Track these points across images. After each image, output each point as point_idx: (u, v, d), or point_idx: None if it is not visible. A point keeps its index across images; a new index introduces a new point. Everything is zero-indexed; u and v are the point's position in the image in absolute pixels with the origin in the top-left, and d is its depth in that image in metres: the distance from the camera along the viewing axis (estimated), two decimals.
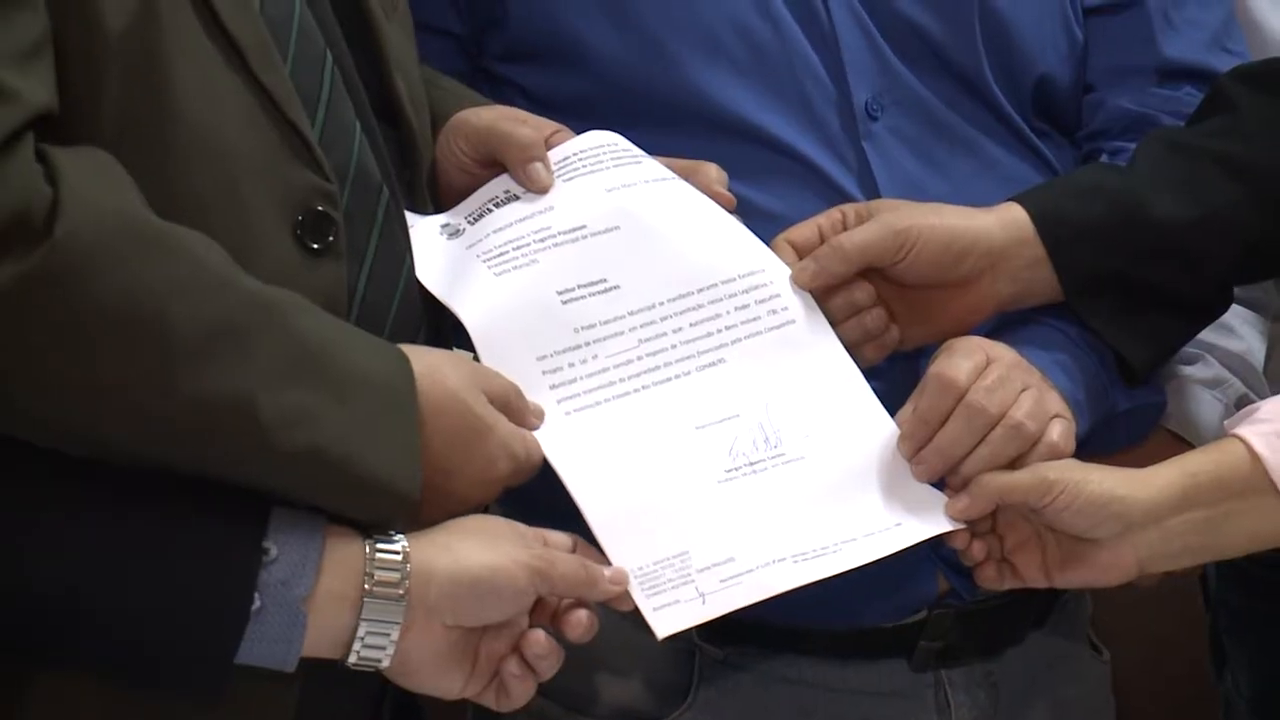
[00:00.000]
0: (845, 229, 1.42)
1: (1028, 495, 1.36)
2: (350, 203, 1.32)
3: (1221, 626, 1.97)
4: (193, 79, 1.25)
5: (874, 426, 1.43)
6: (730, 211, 1.46)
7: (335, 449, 1.19)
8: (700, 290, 1.43)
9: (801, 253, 1.42)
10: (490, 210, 1.45)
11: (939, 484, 1.39)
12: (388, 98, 1.42)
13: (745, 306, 1.43)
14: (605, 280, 1.43)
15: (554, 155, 1.44)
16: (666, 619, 1.31)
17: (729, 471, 1.39)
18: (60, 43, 1.18)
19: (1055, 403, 1.42)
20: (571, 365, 1.40)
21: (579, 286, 1.42)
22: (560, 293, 1.41)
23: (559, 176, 1.45)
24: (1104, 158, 1.60)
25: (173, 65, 1.24)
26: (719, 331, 1.42)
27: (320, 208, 1.29)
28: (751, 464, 1.39)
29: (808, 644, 1.54)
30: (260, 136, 1.29)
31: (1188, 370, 1.68)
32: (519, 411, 1.33)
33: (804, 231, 1.43)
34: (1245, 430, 1.39)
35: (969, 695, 1.57)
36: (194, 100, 1.25)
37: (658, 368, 1.41)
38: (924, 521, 1.38)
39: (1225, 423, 1.49)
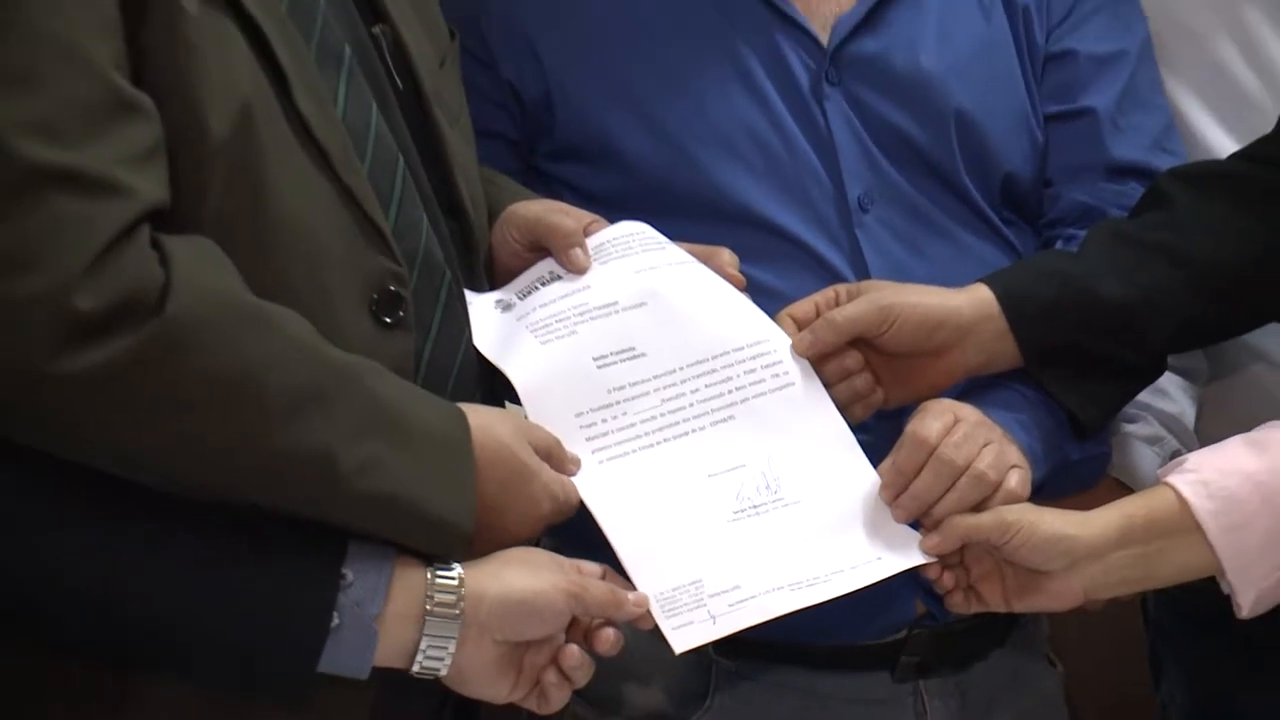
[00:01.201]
0: (838, 305, 1.50)
1: (989, 534, 1.43)
2: (418, 284, 1.39)
3: (1159, 643, 1.98)
4: (284, 179, 1.32)
5: (859, 476, 1.49)
6: (741, 290, 1.54)
7: (403, 493, 1.26)
8: (714, 357, 1.50)
9: (801, 325, 1.49)
10: (537, 288, 1.52)
11: (915, 524, 1.46)
12: (451, 195, 1.49)
13: (752, 371, 1.50)
14: (634, 349, 1.50)
15: (591, 242, 1.52)
16: (683, 637, 1.38)
17: (736, 513, 1.46)
18: (171, 147, 1.24)
19: (1014, 455, 1.49)
20: (604, 421, 1.47)
21: (611, 354, 1.49)
22: (596, 359, 1.48)
23: (595, 260, 1.52)
24: (1060, 243, 1.67)
25: (267, 166, 1.31)
26: (729, 393, 1.49)
27: (392, 288, 1.36)
28: (755, 507, 1.46)
29: (808, 658, 1.61)
30: (342, 228, 1.35)
31: (1130, 428, 1.75)
32: (559, 460, 1.40)
33: (803, 307, 1.51)
34: (1174, 479, 1.45)
35: (942, 702, 1.65)
36: (285, 197, 1.32)
37: (677, 423, 1.48)
38: (902, 556, 1.45)
39: (1157, 472, 1.55)
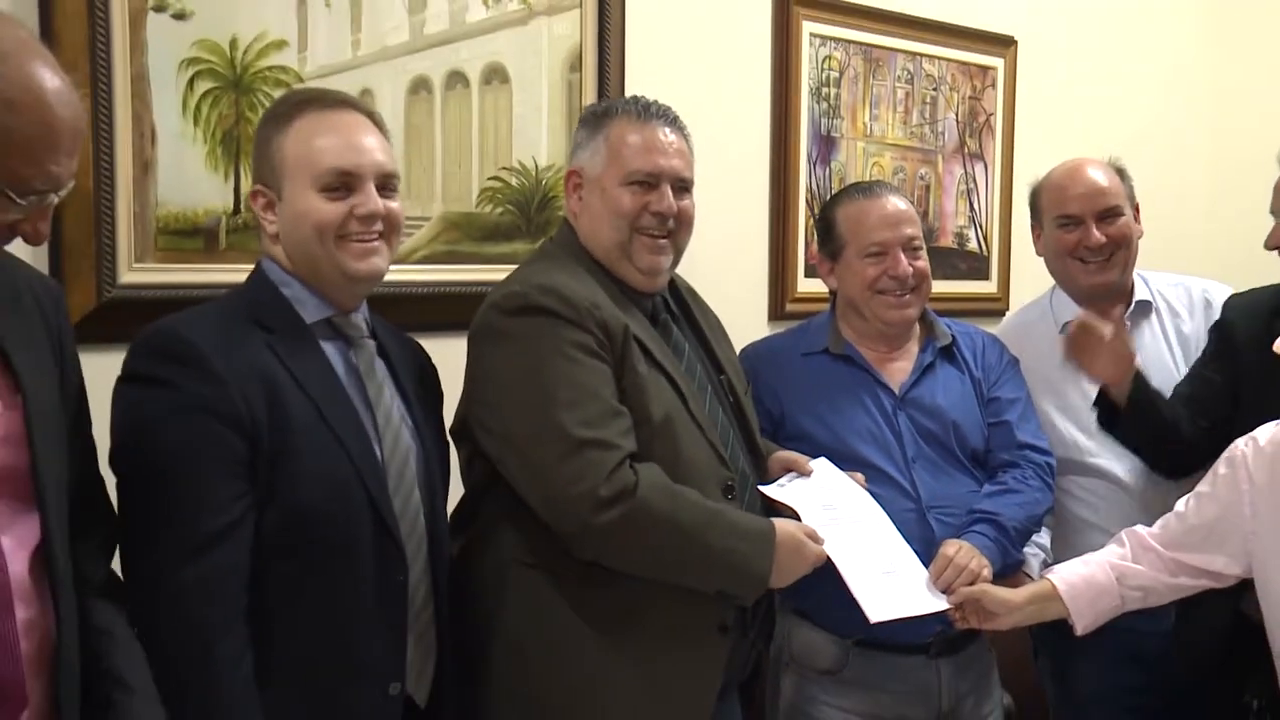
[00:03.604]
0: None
1: (977, 597, 2.03)
2: (738, 481, 1.94)
3: (1037, 639, 2.65)
4: (685, 440, 1.86)
5: (917, 568, 2.04)
6: (864, 488, 2.11)
7: (741, 563, 1.81)
8: (858, 514, 2.07)
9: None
10: (791, 480, 2.08)
11: (946, 591, 2.03)
12: (751, 444, 2.03)
13: (871, 518, 2.07)
14: (833, 505, 2.05)
15: (810, 465, 2.10)
16: (873, 615, 1.95)
17: (882, 573, 2.02)
18: (636, 429, 1.80)
19: (985, 562, 2.08)
20: (827, 528, 1.97)
21: (823, 506, 2.03)
22: (823, 506, 2.03)
23: (814, 472, 2.09)
24: (998, 476, 2.26)
25: (677, 435, 1.85)
26: (866, 527, 2.06)
27: (730, 483, 1.91)
28: (886, 573, 2.03)
29: (889, 647, 2.18)
30: (709, 460, 1.89)
31: (1027, 550, 2.35)
32: (815, 539, 1.91)
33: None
34: (1050, 575, 2.07)
35: (947, 668, 2.25)
36: (686, 448, 1.86)
37: (851, 535, 2.02)
38: (939, 602, 2.02)
39: (1041, 571, 2.17)
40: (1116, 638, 2.36)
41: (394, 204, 1.72)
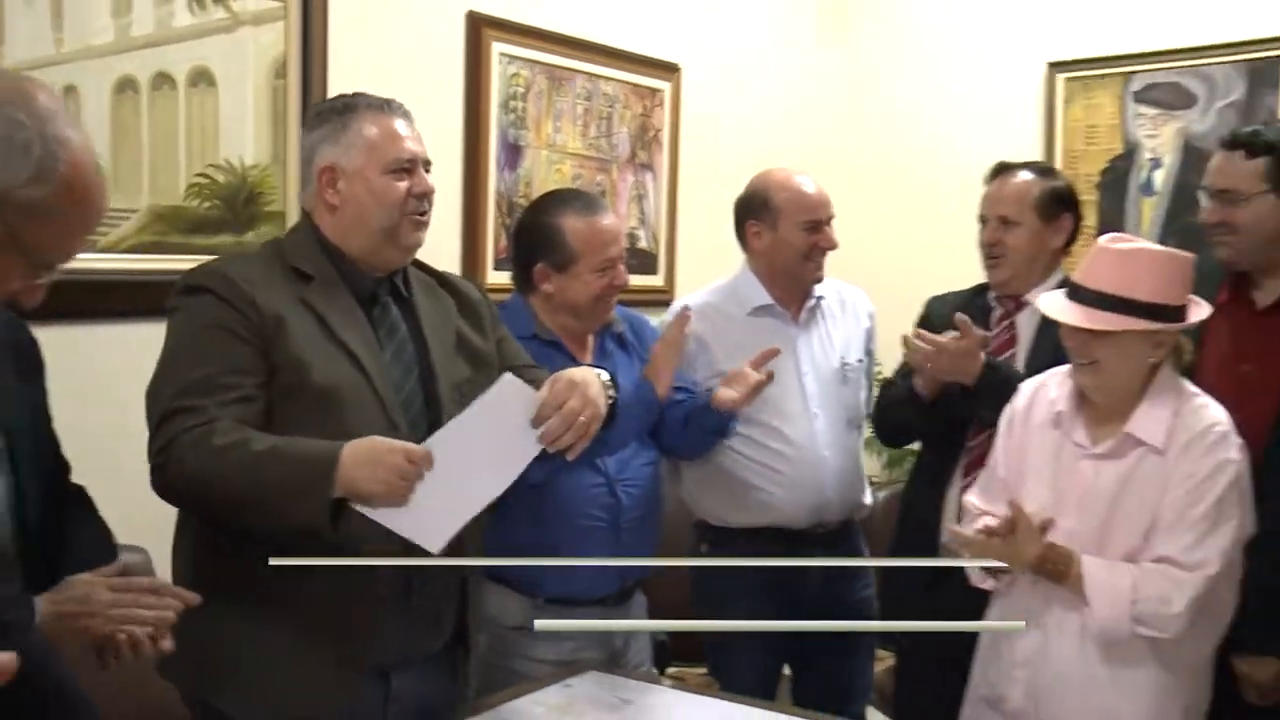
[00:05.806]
0: None
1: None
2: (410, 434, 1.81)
3: (694, 593, 2.77)
4: (356, 414, 1.82)
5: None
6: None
7: (303, 486, 1.71)
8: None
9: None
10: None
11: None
12: (436, 415, 1.92)
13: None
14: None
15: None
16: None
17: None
18: (286, 393, 1.78)
19: (598, 410, 1.93)
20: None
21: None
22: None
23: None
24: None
25: (344, 406, 1.82)
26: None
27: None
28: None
29: (577, 602, 2.34)
30: (384, 427, 1.81)
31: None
32: (417, 458, 1.71)
33: None
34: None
35: (620, 616, 2.42)
36: (355, 421, 1.80)
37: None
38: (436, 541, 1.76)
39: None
40: (770, 585, 2.64)
41: None
